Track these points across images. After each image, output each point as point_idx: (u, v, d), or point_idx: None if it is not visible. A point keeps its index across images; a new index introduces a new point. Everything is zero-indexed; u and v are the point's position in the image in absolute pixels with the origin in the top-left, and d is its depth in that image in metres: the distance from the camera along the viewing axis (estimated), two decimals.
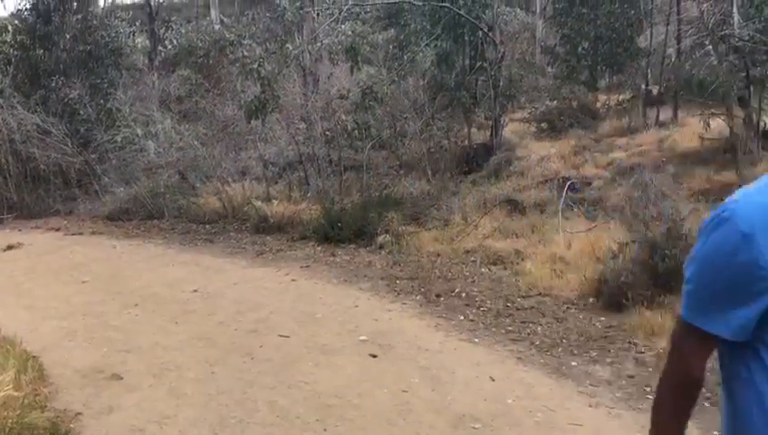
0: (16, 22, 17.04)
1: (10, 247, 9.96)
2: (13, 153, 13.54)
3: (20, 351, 4.70)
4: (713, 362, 4.15)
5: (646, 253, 5.80)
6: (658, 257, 5.69)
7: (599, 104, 14.88)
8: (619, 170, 9.90)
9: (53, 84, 14.66)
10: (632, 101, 13.79)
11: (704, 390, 4.10)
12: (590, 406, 4.13)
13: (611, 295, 5.80)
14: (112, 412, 3.97)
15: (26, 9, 16.18)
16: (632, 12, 14.97)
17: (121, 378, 4.55)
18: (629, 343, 5.09)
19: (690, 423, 3.76)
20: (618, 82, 15.52)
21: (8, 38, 16.81)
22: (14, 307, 6.57)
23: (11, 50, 16.30)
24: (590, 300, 6.04)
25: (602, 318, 5.67)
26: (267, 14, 18.59)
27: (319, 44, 11.49)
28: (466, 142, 12.74)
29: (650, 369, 4.60)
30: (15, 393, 3.76)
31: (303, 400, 4.20)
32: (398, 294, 6.76)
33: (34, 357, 4.81)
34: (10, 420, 3.38)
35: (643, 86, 13.97)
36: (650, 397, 4.13)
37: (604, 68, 15.72)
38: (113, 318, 6.12)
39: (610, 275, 5.91)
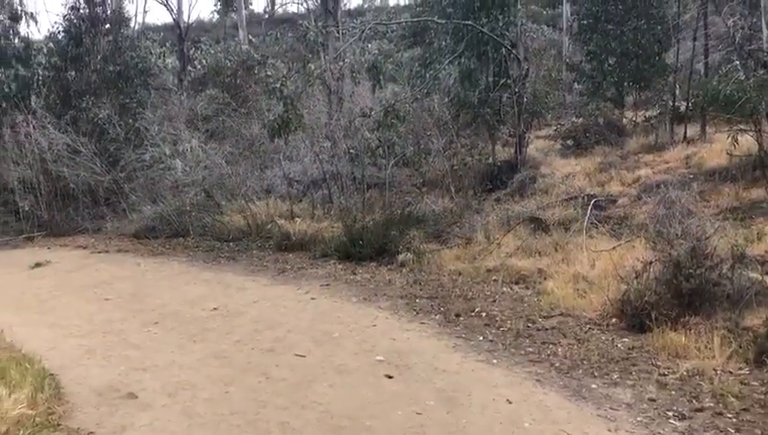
0: (50, 44, 17.47)
1: (38, 265, 10.14)
2: (44, 172, 13.84)
3: (38, 369, 4.73)
4: (737, 386, 3.97)
5: (670, 272, 5.66)
6: (683, 277, 5.55)
7: (625, 121, 14.74)
8: (645, 188, 9.73)
9: (84, 104, 14.98)
10: (659, 118, 13.61)
11: (726, 413, 3.93)
12: (610, 430, 4.01)
13: (634, 316, 5.67)
14: (125, 432, 3.96)
15: (59, 32, 16.59)
16: (659, 27, 14.82)
17: (136, 397, 4.55)
18: (652, 364, 4.96)
19: None
20: (644, 99, 15.35)
21: (42, 60, 17.25)
22: (37, 325, 6.64)
23: (44, 71, 16.72)
24: (613, 320, 5.91)
25: (625, 339, 5.54)
26: (290, 34, 18.80)
27: (341, 63, 11.55)
28: (490, 160, 12.65)
29: (673, 392, 4.47)
30: (29, 411, 3.78)
31: (316, 421, 4.15)
32: (418, 313, 6.69)
33: (52, 375, 4.84)
34: None
35: (670, 102, 13.77)
36: (673, 421, 4.03)
37: (631, 84, 15.52)
38: (132, 336, 6.15)
39: (634, 294, 5.79)
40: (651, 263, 5.98)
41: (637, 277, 5.94)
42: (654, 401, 4.38)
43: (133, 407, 4.38)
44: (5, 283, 9.07)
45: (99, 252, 11.11)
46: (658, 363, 4.96)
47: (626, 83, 15.55)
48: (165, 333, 6.24)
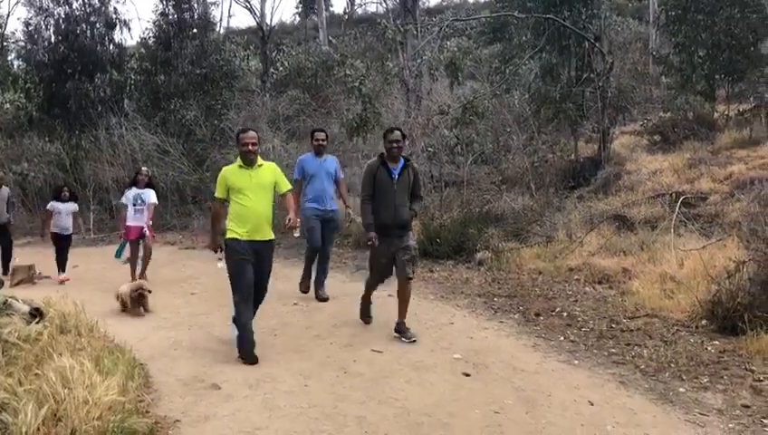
0: (142, 49, 18.31)
1: (129, 260, 10.58)
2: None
3: (129, 358, 4.93)
4: None
5: (765, 272, 5.35)
6: None
7: (716, 115, 14.04)
8: (738, 184, 9.25)
9: (172, 106, 15.61)
10: (754, 111, 12.90)
11: None
12: None
13: (726, 318, 5.41)
14: (208, 421, 4.08)
15: (150, 37, 17.36)
16: (754, 16, 13.98)
17: (219, 388, 4.67)
18: (746, 369, 4.70)
19: None
20: (738, 92, 14.55)
21: (134, 65, 18.11)
22: (129, 317, 6.95)
23: (136, 76, 17.53)
24: (703, 322, 5.65)
25: (715, 342, 5.28)
26: (369, 33, 18.97)
27: (419, 61, 11.54)
28: (573, 156, 12.35)
29: None
30: (121, 398, 3.94)
31: (393, 417, 4.15)
32: (496, 312, 6.61)
33: (141, 365, 5.05)
34: (112, 424, 3.55)
35: (766, 94, 13.02)
36: None
37: (722, 77, 14.74)
38: (216, 329, 6.34)
39: (725, 295, 5.51)
40: (745, 262, 5.68)
41: (729, 277, 5.66)
42: (748, 407, 4.15)
43: (216, 397, 4.50)
44: (101, 277, 9.55)
45: (186, 248, 11.54)
46: (753, 368, 4.70)
47: (717, 76, 14.79)
48: None
